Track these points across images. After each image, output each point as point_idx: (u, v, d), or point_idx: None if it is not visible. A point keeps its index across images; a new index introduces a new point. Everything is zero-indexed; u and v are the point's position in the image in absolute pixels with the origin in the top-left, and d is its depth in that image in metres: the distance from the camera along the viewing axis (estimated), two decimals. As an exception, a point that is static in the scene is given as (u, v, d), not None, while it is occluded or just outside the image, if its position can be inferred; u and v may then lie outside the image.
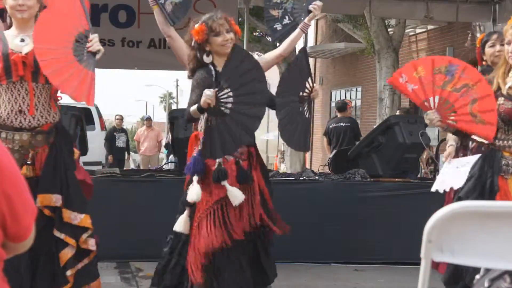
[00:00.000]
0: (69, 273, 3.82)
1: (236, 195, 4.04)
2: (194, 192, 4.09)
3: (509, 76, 3.97)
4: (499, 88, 3.99)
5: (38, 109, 3.82)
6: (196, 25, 4.10)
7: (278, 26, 4.69)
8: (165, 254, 4.29)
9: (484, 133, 3.87)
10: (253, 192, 4.13)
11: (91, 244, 3.86)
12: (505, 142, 4.01)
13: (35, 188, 3.66)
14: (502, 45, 4.73)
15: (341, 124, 10.32)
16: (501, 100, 3.97)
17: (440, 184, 4.43)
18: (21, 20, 3.83)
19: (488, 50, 4.80)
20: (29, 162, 3.78)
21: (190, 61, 4.20)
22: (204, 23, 4.08)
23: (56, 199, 3.78)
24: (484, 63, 4.86)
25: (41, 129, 3.82)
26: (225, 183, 4.04)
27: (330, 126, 10.42)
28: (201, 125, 4.22)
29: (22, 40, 3.82)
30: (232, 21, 4.18)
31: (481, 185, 4.00)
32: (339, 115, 10.81)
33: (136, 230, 6.11)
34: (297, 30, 4.51)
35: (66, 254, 3.81)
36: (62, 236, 3.79)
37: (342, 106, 10.86)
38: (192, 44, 4.14)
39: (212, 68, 4.12)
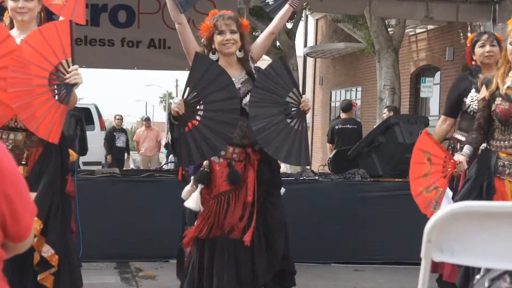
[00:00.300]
0: (39, 277, 3.74)
1: (191, 203, 4.07)
2: (185, 191, 4.19)
3: (509, 76, 3.97)
4: (497, 88, 4.00)
5: None
6: (207, 22, 4.15)
7: (270, 1, 4.71)
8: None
9: None
10: (245, 194, 4.11)
11: (44, 250, 3.73)
12: (502, 142, 4.01)
13: None
14: (493, 45, 4.79)
15: (348, 126, 10.28)
16: (498, 100, 3.97)
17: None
18: (22, 22, 3.83)
19: (478, 50, 4.82)
20: (23, 162, 3.77)
21: None
22: (212, 21, 4.13)
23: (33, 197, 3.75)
24: (473, 63, 4.89)
25: None
26: (200, 186, 4.07)
27: (336, 127, 10.37)
28: None
29: None
30: (244, 22, 4.19)
31: (478, 187, 4.01)
32: (343, 115, 10.78)
33: (136, 230, 6.11)
34: (286, 6, 4.51)
35: (36, 257, 3.74)
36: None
37: (347, 107, 10.81)
38: (202, 40, 4.19)
39: None
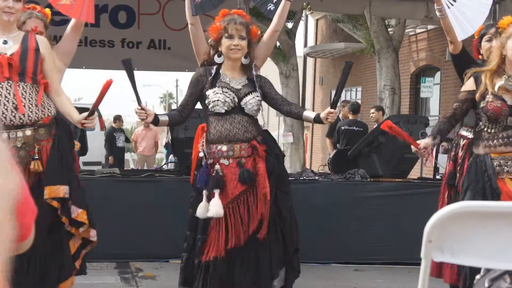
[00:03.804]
0: (77, 264, 3.96)
1: (213, 209, 4.02)
2: (202, 206, 4.12)
3: (502, 77, 3.95)
4: (486, 88, 3.95)
5: (33, 105, 3.82)
6: (217, 23, 4.14)
7: (271, 6, 4.73)
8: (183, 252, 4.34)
9: None
10: (261, 187, 4.09)
11: (92, 235, 3.94)
12: (491, 142, 3.98)
13: (41, 183, 3.74)
14: None
15: (354, 128, 10.28)
16: (489, 97, 3.92)
17: (462, 32, 4.48)
18: (7, 23, 3.83)
19: (484, 44, 4.61)
20: (36, 157, 3.81)
21: (203, 56, 4.25)
22: (223, 23, 4.12)
23: (66, 190, 3.81)
24: (480, 57, 4.68)
25: (42, 122, 3.84)
26: (217, 192, 4.04)
27: (342, 127, 10.37)
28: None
29: (5, 42, 3.82)
30: (254, 30, 4.17)
31: (481, 191, 3.96)
32: (350, 116, 10.80)
33: (136, 230, 6.11)
34: (283, 2, 4.58)
35: (74, 244, 3.91)
36: (68, 227, 3.87)
37: (357, 109, 10.86)
38: (209, 40, 4.18)
39: (214, 68, 4.15)
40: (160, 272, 5.85)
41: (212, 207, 4.04)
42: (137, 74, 4.23)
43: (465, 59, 4.64)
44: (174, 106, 51.15)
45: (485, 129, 3.98)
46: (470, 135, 4.50)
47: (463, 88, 4.15)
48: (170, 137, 9.68)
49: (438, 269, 4.48)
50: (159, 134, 17.91)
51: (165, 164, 12.31)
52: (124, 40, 8.75)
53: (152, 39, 8.80)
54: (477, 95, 3.97)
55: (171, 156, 13.05)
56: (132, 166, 18.43)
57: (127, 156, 17.37)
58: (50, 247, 3.80)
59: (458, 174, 4.58)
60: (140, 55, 8.75)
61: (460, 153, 4.56)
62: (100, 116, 15.91)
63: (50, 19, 4.32)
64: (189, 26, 4.63)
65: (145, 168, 14.98)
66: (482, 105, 3.94)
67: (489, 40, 4.60)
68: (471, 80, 4.05)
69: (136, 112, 4.04)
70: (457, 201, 4.25)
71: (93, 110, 3.80)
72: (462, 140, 4.63)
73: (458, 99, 4.12)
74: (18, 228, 1.69)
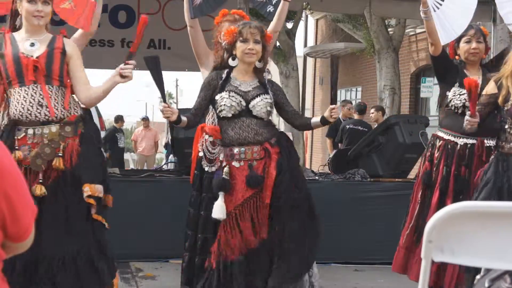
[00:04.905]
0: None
1: (216, 211, 4.04)
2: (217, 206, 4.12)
3: None
4: (509, 92, 3.95)
5: (59, 104, 3.86)
6: (232, 27, 4.14)
7: (270, 8, 4.75)
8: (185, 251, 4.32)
9: None
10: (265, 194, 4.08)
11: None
12: None
13: (68, 181, 3.80)
14: (479, 42, 4.53)
15: (359, 127, 10.26)
16: None
17: (446, 35, 4.51)
18: (37, 27, 3.86)
19: (463, 45, 4.59)
20: (60, 154, 3.83)
21: (216, 59, 4.25)
22: (237, 27, 4.12)
23: (100, 190, 3.91)
24: (457, 57, 4.66)
25: (68, 120, 3.86)
26: (221, 194, 4.05)
27: (347, 126, 10.36)
28: (209, 117, 4.27)
29: (32, 44, 3.85)
30: (268, 34, 4.18)
31: (497, 190, 3.94)
32: (356, 116, 10.79)
33: (136, 230, 6.10)
34: (282, 2, 4.59)
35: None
36: (100, 218, 4.06)
37: (363, 109, 10.85)
38: (223, 44, 4.17)
39: (225, 72, 4.15)
40: (160, 272, 5.85)
41: (213, 209, 4.05)
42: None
43: (445, 61, 4.64)
44: (173, 106, 51.14)
45: (510, 131, 3.98)
46: (446, 136, 4.52)
47: (485, 92, 4.15)
48: (170, 137, 9.67)
49: (404, 265, 4.50)
50: (159, 134, 17.91)
51: (165, 164, 12.30)
52: (124, 40, 8.74)
53: (152, 39, 8.79)
54: (500, 100, 3.96)
55: (171, 156, 13.03)
56: (132, 166, 18.40)
57: (127, 156, 17.36)
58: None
59: (434, 174, 4.58)
60: (140, 54, 8.74)
61: (436, 154, 4.55)
62: (100, 116, 15.92)
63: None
64: (188, 28, 4.64)
65: (145, 168, 14.97)
66: (506, 107, 3.93)
67: (468, 42, 4.57)
68: (492, 83, 4.05)
69: (162, 110, 4.05)
70: (433, 201, 4.27)
71: (132, 52, 3.82)
72: (438, 141, 4.62)
73: (480, 102, 4.11)
74: (18, 228, 1.69)
